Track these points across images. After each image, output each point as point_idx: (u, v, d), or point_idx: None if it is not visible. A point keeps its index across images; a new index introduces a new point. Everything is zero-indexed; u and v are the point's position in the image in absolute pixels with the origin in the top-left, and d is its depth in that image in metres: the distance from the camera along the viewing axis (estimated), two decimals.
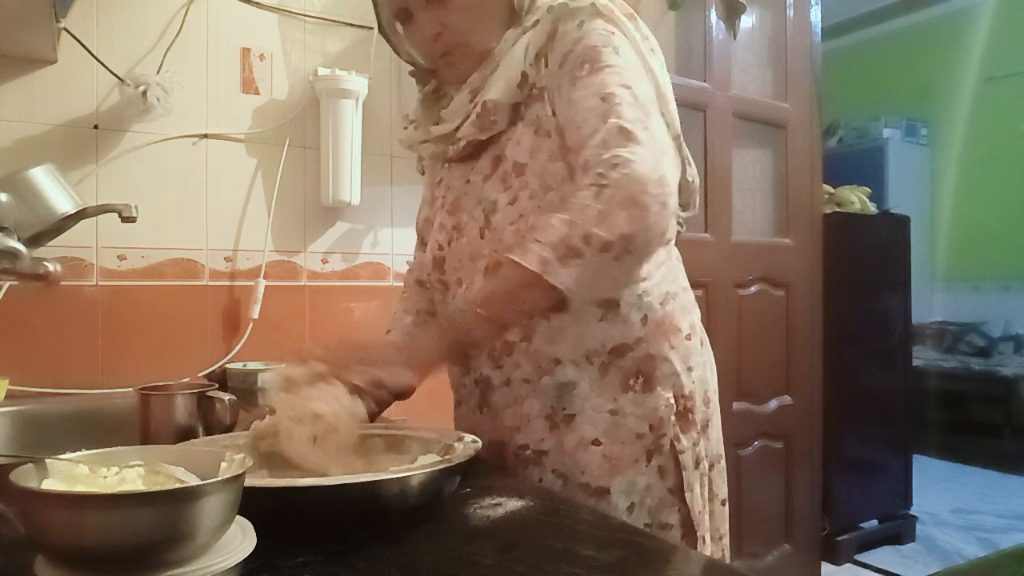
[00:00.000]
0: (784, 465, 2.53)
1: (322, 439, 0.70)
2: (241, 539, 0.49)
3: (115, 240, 1.50)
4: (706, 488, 0.93)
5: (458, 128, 0.92)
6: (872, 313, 3.04)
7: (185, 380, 1.25)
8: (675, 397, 0.89)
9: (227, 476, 0.46)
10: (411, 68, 1.03)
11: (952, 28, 5.22)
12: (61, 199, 1.14)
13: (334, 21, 1.76)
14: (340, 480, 0.63)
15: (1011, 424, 4.37)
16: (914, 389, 3.35)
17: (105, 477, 0.49)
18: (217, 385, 1.00)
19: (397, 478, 0.64)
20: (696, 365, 0.93)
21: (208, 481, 0.45)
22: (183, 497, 0.44)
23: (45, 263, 1.07)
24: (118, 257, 1.52)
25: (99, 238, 1.49)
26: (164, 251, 1.56)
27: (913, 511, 3.19)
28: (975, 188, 5.18)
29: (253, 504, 0.51)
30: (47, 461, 0.49)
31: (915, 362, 3.55)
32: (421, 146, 1.00)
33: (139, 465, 0.50)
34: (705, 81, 2.33)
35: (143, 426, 0.96)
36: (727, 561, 0.98)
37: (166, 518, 0.43)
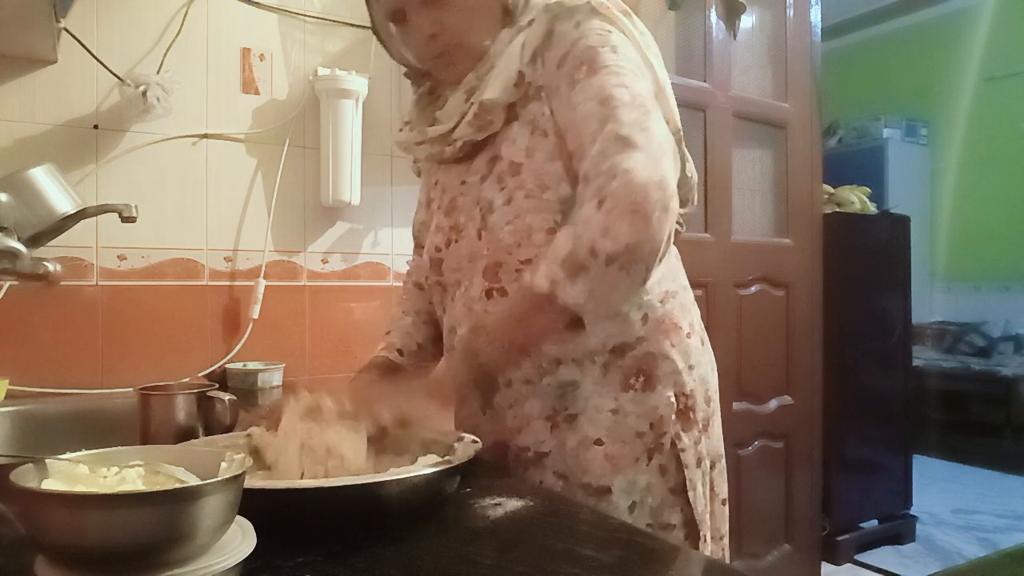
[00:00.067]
0: (784, 465, 2.53)
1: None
2: (241, 539, 0.49)
3: (115, 240, 1.50)
4: (707, 487, 0.92)
5: (454, 128, 0.91)
6: (872, 313, 3.04)
7: (185, 380, 1.25)
8: (676, 395, 0.89)
9: (227, 476, 0.46)
10: (405, 70, 1.03)
11: (952, 28, 5.22)
12: (61, 199, 1.14)
13: (334, 21, 1.76)
14: (341, 482, 0.63)
15: (1011, 424, 4.37)
16: (914, 389, 3.35)
17: (105, 477, 0.49)
18: (217, 385, 1.00)
19: (397, 479, 0.64)
20: (697, 363, 0.93)
21: (208, 481, 0.45)
22: (183, 497, 0.44)
23: (45, 263, 1.07)
24: (118, 257, 1.52)
25: (99, 238, 1.49)
26: (164, 251, 1.56)
27: (913, 511, 3.19)
28: (975, 188, 5.18)
29: (253, 504, 0.51)
30: (47, 461, 0.49)
31: (915, 362, 3.55)
32: (417, 148, 0.99)
33: (139, 465, 0.50)
34: (705, 81, 2.33)
35: (143, 426, 0.96)
36: (727, 561, 0.98)
37: (166, 518, 0.43)
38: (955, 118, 5.27)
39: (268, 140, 1.68)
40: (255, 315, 1.62)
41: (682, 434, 0.89)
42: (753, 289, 2.45)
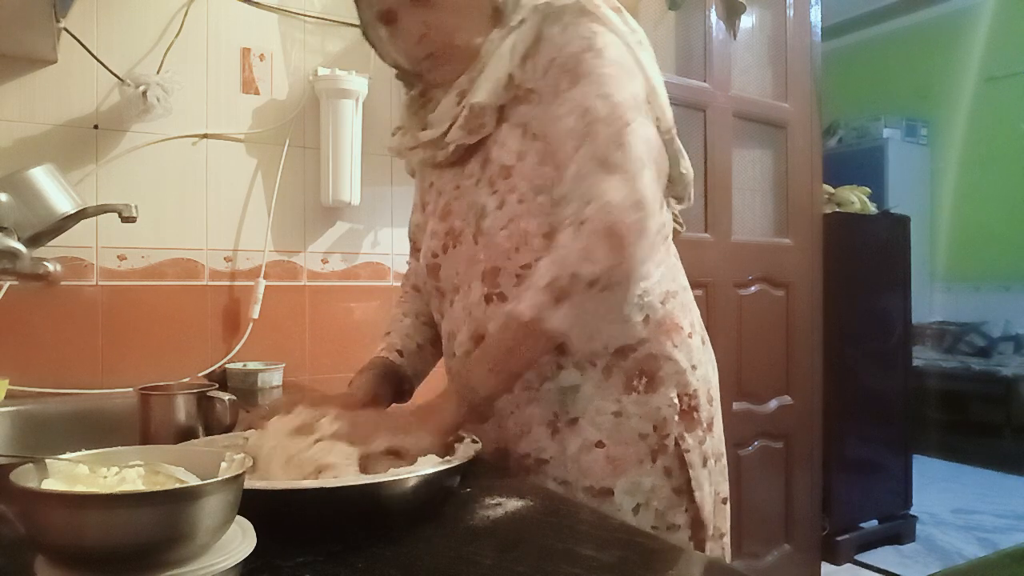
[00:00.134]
0: (784, 465, 2.53)
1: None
2: (241, 539, 0.49)
3: (115, 240, 1.50)
4: (710, 486, 0.92)
5: (446, 132, 0.91)
6: (872, 313, 3.04)
7: (185, 380, 1.25)
8: (679, 396, 0.89)
9: (227, 476, 0.46)
10: (396, 73, 1.01)
11: (952, 28, 5.22)
12: (61, 199, 1.14)
13: (334, 21, 1.76)
14: (341, 482, 0.63)
15: (1011, 424, 4.37)
16: (914, 389, 3.35)
17: (105, 477, 0.49)
18: (217, 385, 1.00)
19: (397, 480, 0.64)
20: (699, 363, 0.93)
21: (208, 481, 0.45)
22: (183, 497, 0.44)
23: (45, 263, 1.07)
24: (118, 257, 1.52)
25: (99, 238, 1.49)
26: (164, 251, 1.56)
27: (913, 511, 3.19)
28: (975, 188, 5.18)
29: (253, 504, 0.51)
30: (47, 461, 0.49)
31: (915, 362, 3.55)
32: (410, 152, 0.98)
33: (139, 465, 0.50)
34: (705, 81, 2.33)
35: (143, 426, 0.96)
36: (728, 560, 0.98)
37: (166, 518, 0.43)
38: (955, 118, 5.27)
39: (268, 140, 1.68)
40: (255, 315, 1.62)
41: (686, 434, 0.88)
42: (753, 289, 2.45)
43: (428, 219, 0.98)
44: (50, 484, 0.47)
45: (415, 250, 1.08)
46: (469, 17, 0.90)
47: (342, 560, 0.56)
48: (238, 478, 0.47)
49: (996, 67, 5.03)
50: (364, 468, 0.70)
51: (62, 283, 1.24)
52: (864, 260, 3.01)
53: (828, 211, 2.91)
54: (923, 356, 4.63)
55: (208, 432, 0.95)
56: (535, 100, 0.86)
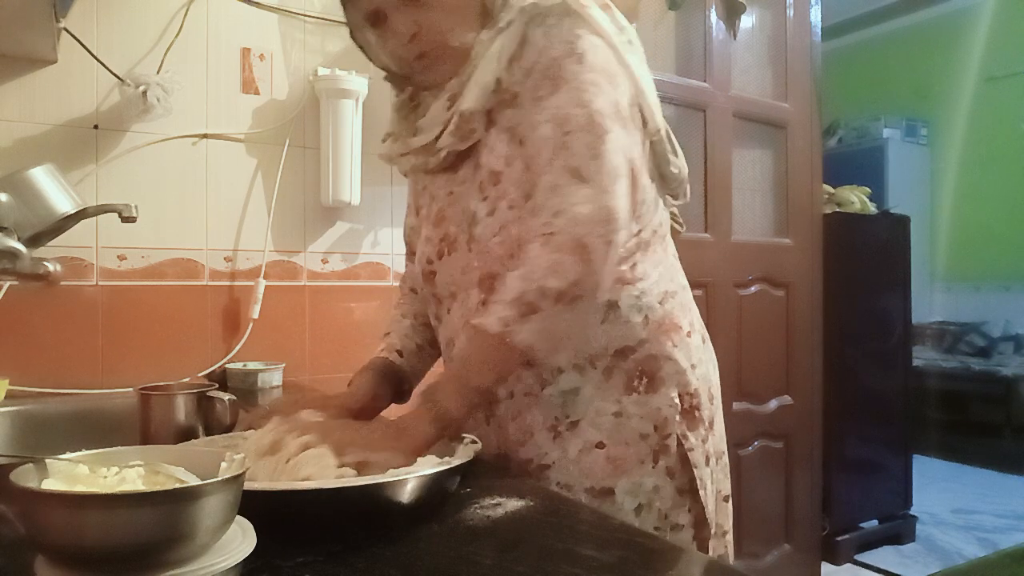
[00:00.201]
0: (784, 465, 2.53)
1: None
2: (241, 539, 0.49)
3: (115, 240, 1.50)
4: (713, 484, 0.92)
5: (437, 138, 0.89)
6: (872, 313, 3.04)
7: (185, 380, 1.25)
8: (680, 395, 0.89)
9: (227, 476, 0.46)
10: (385, 75, 1.00)
11: (952, 28, 5.23)
12: (61, 199, 1.14)
13: (334, 21, 1.75)
14: (340, 483, 0.63)
15: (1011, 424, 4.37)
16: (914, 389, 3.35)
17: (105, 477, 0.49)
18: (217, 385, 1.00)
19: (398, 480, 0.64)
20: (699, 362, 0.93)
21: (208, 481, 0.45)
22: (183, 497, 0.44)
23: (45, 263, 1.07)
24: (118, 257, 1.52)
25: (99, 238, 1.49)
26: (164, 251, 1.56)
27: (913, 511, 3.19)
28: (975, 188, 5.18)
29: (253, 505, 0.51)
30: (47, 461, 0.49)
31: (915, 362, 3.55)
32: (401, 159, 0.97)
33: (139, 465, 0.50)
34: (705, 81, 2.33)
35: (143, 426, 0.96)
36: (731, 557, 0.98)
37: (166, 518, 0.43)
38: (955, 118, 5.27)
39: (268, 140, 1.68)
40: (255, 315, 1.62)
41: (688, 433, 0.88)
42: (753, 289, 2.45)
43: (422, 224, 0.98)
44: (50, 484, 0.47)
45: (411, 253, 1.07)
46: (460, 16, 0.88)
47: (342, 560, 0.56)
48: (238, 478, 0.47)
49: (996, 67, 5.03)
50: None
51: (62, 283, 1.24)
52: (864, 260, 3.01)
53: (828, 211, 2.91)
54: (923, 356, 4.63)
55: (208, 432, 0.96)
56: (520, 104, 0.85)
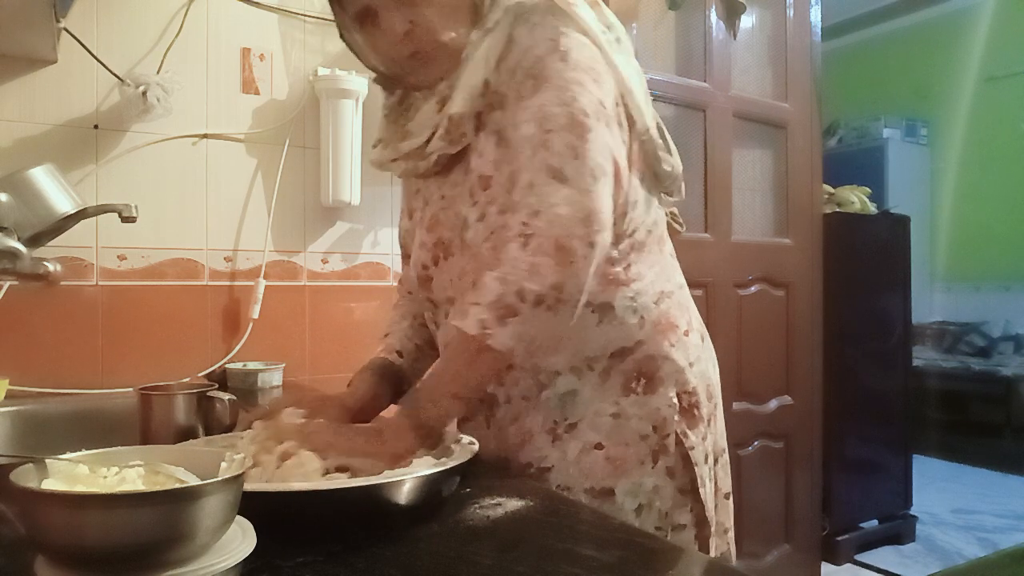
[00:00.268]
0: (784, 465, 2.53)
1: None
2: (241, 539, 0.49)
3: (115, 240, 1.50)
4: (712, 483, 0.92)
5: (428, 142, 0.88)
6: (872, 313, 3.04)
7: (185, 380, 1.25)
8: (679, 394, 0.88)
9: (227, 476, 0.46)
10: (374, 77, 0.99)
11: (952, 28, 5.23)
12: (61, 199, 1.14)
13: (334, 21, 1.75)
14: (341, 484, 0.63)
15: (1011, 424, 4.37)
16: (914, 389, 3.35)
17: (105, 477, 0.49)
18: (217, 385, 1.00)
19: (398, 481, 0.64)
20: (697, 360, 0.92)
21: (208, 481, 0.45)
22: (183, 497, 0.44)
23: (45, 263, 1.07)
24: (118, 257, 1.52)
25: (99, 238, 1.49)
26: (164, 251, 1.56)
27: (913, 511, 3.19)
28: (975, 188, 5.18)
29: (253, 505, 0.51)
30: (47, 461, 0.49)
31: (915, 362, 3.55)
32: (392, 165, 0.95)
33: (139, 465, 0.50)
34: (705, 81, 2.33)
35: (143, 426, 0.96)
36: (734, 555, 0.98)
37: (166, 518, 0.43)
38: (955, 118, 5.27)
39: (268, 140, 1.68)
40: (255, 315, 1.62)
41: (688, 432, 0.88)
42: (753, 289, 2.45)
43: (416, 228, 0.97)
44: (50, 484, 0.47)
45: (406, 256, 1.07)
46: (453, 13, 0.87)
47: (342, 560, 0.56)
48: (238, 478, 0.47)
49: (996, 67, 5.03)
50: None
51: (62, 283, 1.24)
52: (864, 260, 3.01)
53: (828, 211, 2.91)
54: (923, 356, 4.63)
55: (208, 432, 0.96)
56: (506, 105, 0.84)
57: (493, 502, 0.70)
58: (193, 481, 0.48)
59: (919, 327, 4.67)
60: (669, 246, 0.98)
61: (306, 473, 0.68)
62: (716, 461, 0.95)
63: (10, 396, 1.29)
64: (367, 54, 0.94)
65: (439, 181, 0.92)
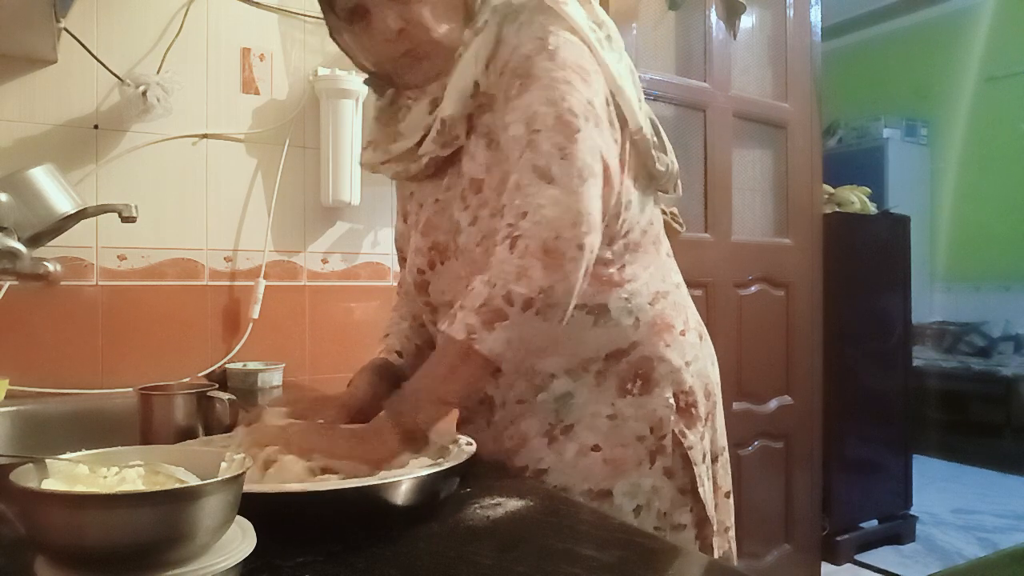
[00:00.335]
0: (784, 465, 2.53)
1: None
2: (241, 539, 0.49)
3: (115, 240, 1.50)
4: (711, 482, 0.92)
5: (419, 144, 0.87)
6: (872, 313, 3.04)
7: (185, 380, 1.25)
8: (676, 394, 0.88)
9: (227, 476, 0.46)
10: (366, 78, 0.98)
11: (952, 28, 5.22)
12: (61, 199, 1.14)
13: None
14: (340, 484, 0.63)
15: (1011, 424, 4.37)
16: (914, 389, 3.35)
17: (105, 477, 0.49)
18: (217, 385, 1.00)
19: (397, 482, 0.64)
20: (694, 359, 0.92)
21: (208, 481, 0.45)
22: (183, 497, 0.44)
23: (45, 263, 1.07)
24: (118, 257, 1.52)
25: (99, 238, 1.49)
26: (164, 251, 1.56)
27: (913, 511, 3.19)
28: (975, 188, 5.18)
29: (253, 505, 0.51)
30: (47, 461, 0.49)
31: (915, 362, 3.55)
32: (383, 167, 0.94)
33: (139, 465, 0.50)
34: (705, 81, 2.33)
35: (143, 426, 0.96)
36: (735, 553, 0.98)
37: (166, 518, 0.43)
38: (955, 118, 5.27)
39: (268, 140, 1.68)
40: (255, 315, 1.62)
41: (687, 432, 0.88)
42: (753, 289, 2.45)
43: (411, 232, 0.96)
44: (50, 484, 0.47)
45: (402, 259, 1.06)
46: (446, 11, 0.86)
47: (342, 560, 0.56)
48: (238, 478, 0.47)
49: (996, 67, 5.03)
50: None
51: (62, 283, 1.24)
52: (864, 260, 3.01)
53: (828, 211, 2.90)
54: (923, 356, 4.63)
55: (208, 432, 0.96)
56: (496, 107, 0.83)
57: (493, 502, 0.70)
58: (193, 481, 0.48)
59: (919, 327, 4.67)
60: (666, 246, 0.98)
61: (288, 479, 0.68)
62: (716, 460, 0.95)
63: (10, 396, 1.29)
64: (358, 54, 0.93)
65: (433, 185, 0.91)
